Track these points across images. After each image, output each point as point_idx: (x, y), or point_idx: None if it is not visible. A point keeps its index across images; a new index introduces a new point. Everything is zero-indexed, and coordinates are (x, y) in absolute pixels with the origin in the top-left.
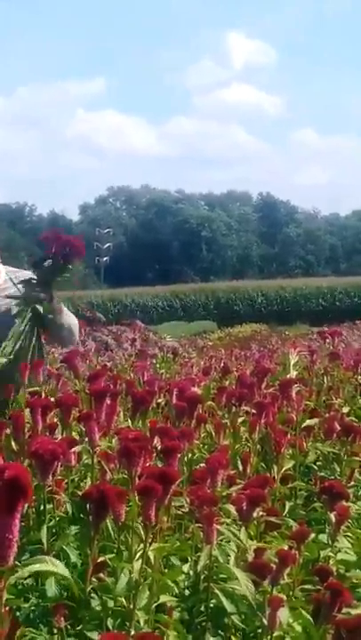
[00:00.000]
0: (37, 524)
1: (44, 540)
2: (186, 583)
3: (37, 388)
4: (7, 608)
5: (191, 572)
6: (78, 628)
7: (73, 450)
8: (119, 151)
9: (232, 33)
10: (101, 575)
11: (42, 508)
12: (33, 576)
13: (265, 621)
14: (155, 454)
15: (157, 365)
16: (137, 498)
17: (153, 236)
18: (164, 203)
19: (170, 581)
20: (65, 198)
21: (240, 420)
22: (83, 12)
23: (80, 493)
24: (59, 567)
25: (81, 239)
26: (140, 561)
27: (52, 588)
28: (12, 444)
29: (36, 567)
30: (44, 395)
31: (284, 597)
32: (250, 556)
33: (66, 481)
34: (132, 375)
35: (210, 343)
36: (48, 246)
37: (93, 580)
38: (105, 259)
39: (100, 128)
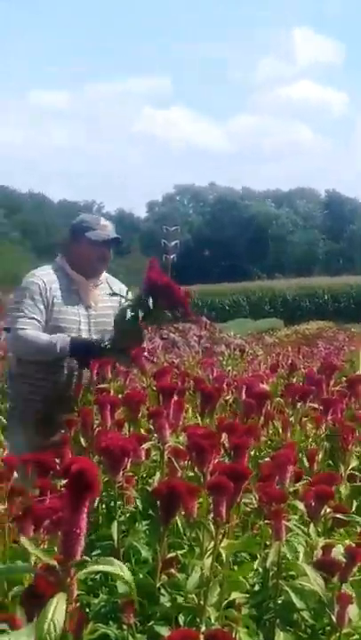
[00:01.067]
0: (107, 520)
1: (115, 536)
2: (255, 579)
3: (106, 386)
4: (77, 604)
5: (260, 569)
6: (149, 625)
7: (143, 446)
8: (185, 149)
9: (299, 29)
10: (172, 571)
11: (112, 504)
12: (103, 572)
13: (334, 618)
14: (222, 451)
15: (224, 362)
16: (208, 494)
17: (219, 234)
18: (230, 200)
19: (241, 578)
20: (132, 196)
21: (307, 417)
22: (150, 10)
23: (149, 489)
24: (125, 572)
25: (186, 294)
26: (211, 557)
27: (123, 585)
28: (81, 440)
29: (102, 568)
30: (112, 392)
31: (354, 594)
32: (318, 553)
33: (135, 477)
34: (199, 372)
35: (276, 340)
36: (152, 287)
37: (163, 576)
38: (172, 256)
39: (166, 125)
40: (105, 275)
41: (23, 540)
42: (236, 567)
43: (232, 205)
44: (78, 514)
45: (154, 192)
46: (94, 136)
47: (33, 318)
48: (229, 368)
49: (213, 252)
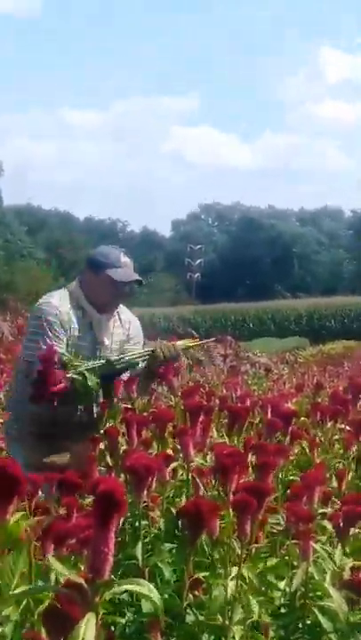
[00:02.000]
0: (133, 539)
1: (139, 557)
2: (282, 600)
3: (129, 406)
4: (101, 623)
5: (287, 590)
6: None
7: (170, 466)
8: (211, 166)
9: (326, 47)
10: (197, 592)
11: (137, 523)
12: (129, 591)
13: None
14: (250, 470)
15: (249, 381)
16: (232, 513)
17: (244, 252)
18: (255, 219)
19: (263, 598)
20: (157, 214)
21: (334, 437)
22: (179, 27)
23: (174, 510)
24: (153, 593)
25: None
26: (235, 577)
27: (147, 604)
28: (107, 458)
29: (130, 587)
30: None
31: None
32: (346, 574)
33: (161, 497)
34: (224, 391)
35: (301, 360)
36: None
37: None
38: (196, 275)
39: (193, 143)
40: None
41: (50, 557)
42: (263, 588)
43: (257, 224)
44: (106, 533)
45: (179, 210)
46: (121, 154)
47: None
48: (254, 387)
49: (238, 270)
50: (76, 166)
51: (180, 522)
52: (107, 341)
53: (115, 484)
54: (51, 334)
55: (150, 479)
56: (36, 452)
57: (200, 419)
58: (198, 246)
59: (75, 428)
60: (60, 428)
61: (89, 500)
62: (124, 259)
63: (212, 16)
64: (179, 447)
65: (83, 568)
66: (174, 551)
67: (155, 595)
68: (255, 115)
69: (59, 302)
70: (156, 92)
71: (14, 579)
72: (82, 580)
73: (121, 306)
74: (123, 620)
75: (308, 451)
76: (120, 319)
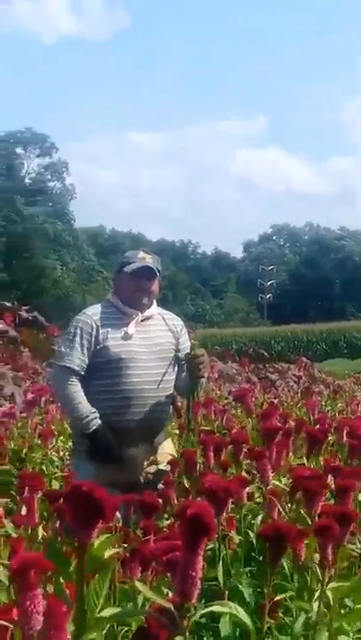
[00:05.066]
0: (211, 561)
1: (220, 579)
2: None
3: (207, 427)
4: None
5: None
6: None
7: (246, 489)
8: (282, 190)
9: None
10: (279, 614)
11: (215, 545)
12: (207, 614)
13: None
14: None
15: (323, 403)
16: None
17: (315, 273)
18: (326, 240)
19: (347, 624)
20: (229, 236)
21: None
22: (244, 51)
23: (249, 532)
24: (240, 612)
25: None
26: (318, 601)
27: (225, 627)
28: (185, 481)
29: (217, 608)
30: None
31: None
32: None
33: (238, 518)
34: (297, 413)
35: None
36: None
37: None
38: (268, 296)
39: (261, 167)
40: (158, 309)
41: (136, 582)
42: (342, 611)
43: (328, 245)
44: (195, 556)
45: (250, 233)
46: (189, 177)
47: (79, 357)
48: (328, 409)
49: (309, 291)
50: (145, 190)
51: (257, 544)
52: (140, 336)
53: (203, 508)
54: (78, 340)
55: (228, 502)
56: (105, 469)
57: (276, 441)
58: (270, 267)
59: (134, 436)
60: (120, 436)
61: (166, 522)
62: (142, 255)
63: (276, 41)
64: (254, 470)
65: (166, 591)
66: (252, 573)
67: (242, 614)
68: (321, 137)
69: (94, 311)
70: (222, 116)
71: (99, 602)
72: (170, 605)
73: (165, 312)
74: None
75: None
76: (166, 323)
